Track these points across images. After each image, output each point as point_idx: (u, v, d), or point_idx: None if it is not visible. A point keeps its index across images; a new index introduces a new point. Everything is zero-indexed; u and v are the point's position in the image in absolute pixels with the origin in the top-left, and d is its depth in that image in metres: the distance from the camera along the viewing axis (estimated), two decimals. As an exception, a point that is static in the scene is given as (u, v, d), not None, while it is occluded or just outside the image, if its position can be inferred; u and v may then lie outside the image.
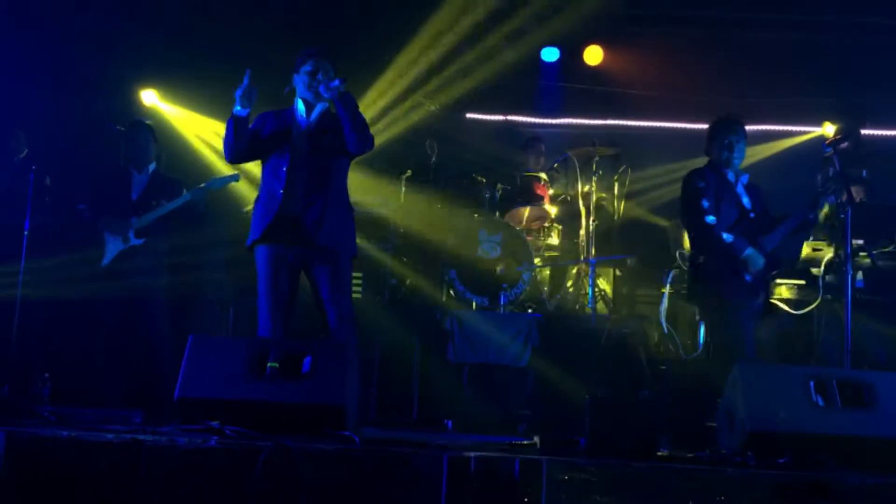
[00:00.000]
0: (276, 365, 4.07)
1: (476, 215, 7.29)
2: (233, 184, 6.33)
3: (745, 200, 5.37)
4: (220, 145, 7.61)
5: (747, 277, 5.19)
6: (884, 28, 7.35)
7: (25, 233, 5.95)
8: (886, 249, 6.00)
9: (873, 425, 3.86)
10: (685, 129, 8.45)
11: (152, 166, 6.29)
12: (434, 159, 7.68)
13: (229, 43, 7.55)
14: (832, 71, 7.86)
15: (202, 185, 6.08)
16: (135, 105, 7.94)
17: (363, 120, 4.77)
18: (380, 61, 7.73)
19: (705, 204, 5.29)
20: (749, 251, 5.25)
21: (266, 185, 4.83)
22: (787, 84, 8.05)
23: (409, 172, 7.53)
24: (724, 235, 5.29)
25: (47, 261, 6.13)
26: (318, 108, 4.87)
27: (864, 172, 5.34)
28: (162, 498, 3.32)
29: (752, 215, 5.34)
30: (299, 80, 4.85)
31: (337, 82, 4.68)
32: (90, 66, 7.43)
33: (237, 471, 3.32)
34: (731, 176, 5.43)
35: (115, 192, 6.21)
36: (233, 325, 6.73)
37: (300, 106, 4.88)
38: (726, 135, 5.43)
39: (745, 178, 5.43)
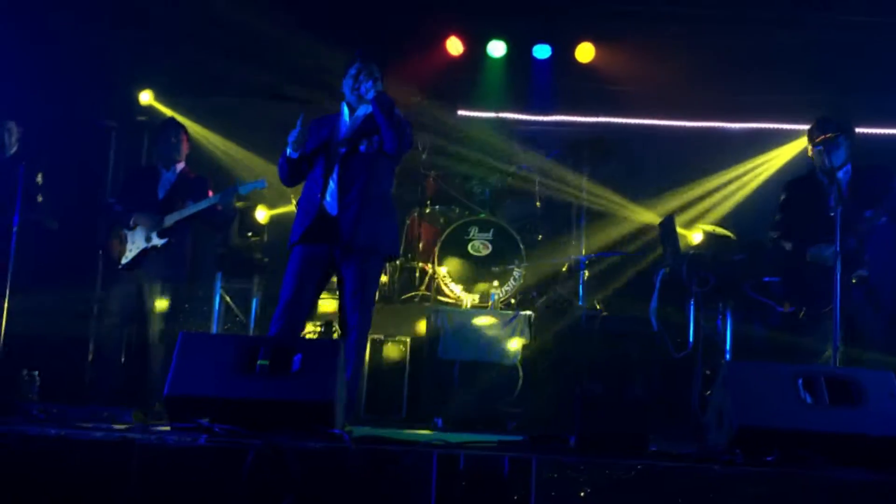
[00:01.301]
0: (267, 362, 4.07)
1: (467, 212, 7.30)
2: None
3: (833, 199, 5.09)
4: (221, 145, 7.69)
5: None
6: (874, 26, 7.36)
7: (14, 229, 5.93)
8: None
9: (861, 423, 3.87)
10: (678, 127, 8.47)
11: (181, 165, 6.30)
12: (425, 156, 7.69)
13: (226, 43, 7.53)
14: (822, 68, 7.87)
15: (229, 188, 6.08)
16: (132, 104, 7.91)
17: (400, 119, 4.82)
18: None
19: (777, 216, 5.60)
20: (811, 252, 5.33)
21: (306, 189, 4.96)
22: (777, 82, 8.06)
23: (400, 167, 7.51)
24: (785, 244, 5.50)
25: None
26: (361, 111, 4.93)
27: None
28: (151, 497, 3.31)
29: (831, 214, 5.08)
30: (345, 85, 4.96)
31: (370, 83, 4.74)
32: (85, 64, 7.41)
33: (227, 469, 3.31)
34: (820, 176, 5.44)
35: (142, 189, 6.22)
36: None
37: (344, 109, 4.99)
38: (811, 135, 5.51)
39: (840, 175, 5.33)
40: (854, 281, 5.16)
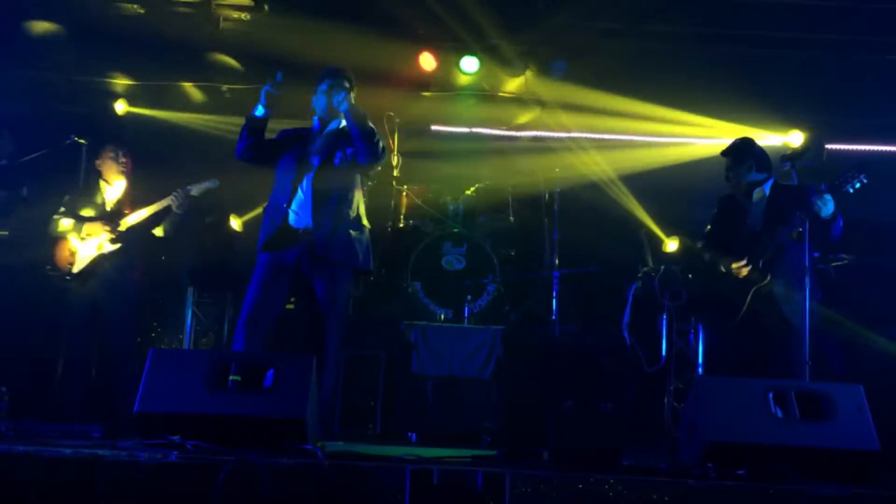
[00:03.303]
0: (239, 378, 4.05)
1: (441, 227, 7.30)
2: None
3: (752, 217, 5.47)
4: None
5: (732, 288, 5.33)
6: (847, 44, 7.47)
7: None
8: (839, 263, 6.14)
9: (831, 437, 3.91)
10: (652, 143, 8.54)
11: (123, 183, 6.24)
12: (398, 170, 7.69)
13: (196, 54, 7.53)
14: (797, 86, 7.97)
15: (180, 189, 6.03)
16: (108, 115, 7.86)
17: (371, 131, 4.83)
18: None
19: (706, 228, 5.69)
20: (728, 260, 5.38)
21: (273, 197, 4.93)
22: (752, 99, 8.15)
23: (372, 182, 7.52)
24: (705, 254, 5.55)
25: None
26: (333, 124, 4.93)
27: (824, 186, 5.42)
28: (121, 514, 3.28)
29: (755, 229, 5.42)
30: (316, 101, 4.97)
31: (342, 95, 4.76)
32: (64, 76, 7.38)
33: (198, 486, 3.28)
34: (739, 197, 5.58)
35: (86, 203, 6.17)
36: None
37: (316, 123, 5.01)
38: (728, 160, 5.65)
39: (755, 193, 5.52)
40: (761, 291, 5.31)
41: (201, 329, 7.23)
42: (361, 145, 4.76)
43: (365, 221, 5.07)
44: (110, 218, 6.05)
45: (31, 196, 6.36)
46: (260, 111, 4.82)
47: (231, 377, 4.03)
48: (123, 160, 6.22)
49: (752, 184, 5.52)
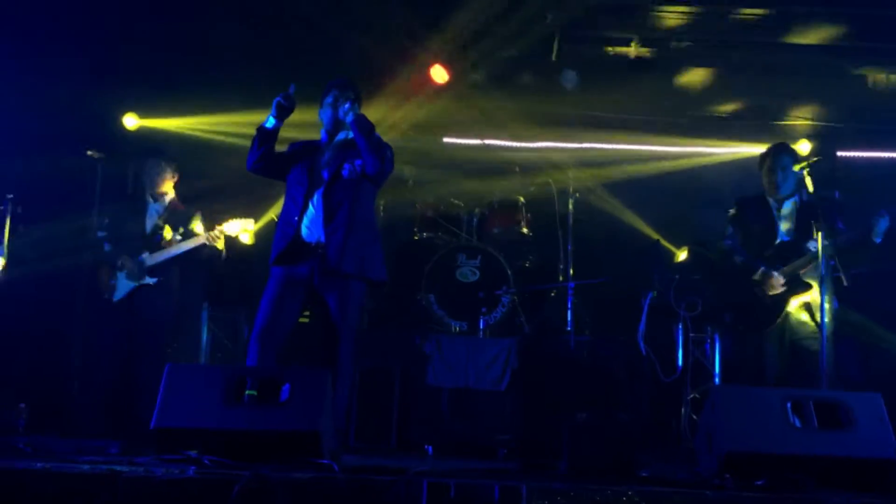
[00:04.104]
0: (255, 393, 4.05)
1: (454, 239, 7.31)
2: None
3: (783, 225, 5.52)
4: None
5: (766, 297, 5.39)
6: (855, 50, 7.44)
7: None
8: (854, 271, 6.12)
9: (850, 446, 3.88)
10: (665, 153, 8.54)
11: (168, 196, 6.33)
12: (411, 183, 7.71)
13: (208, 66, 7.56)
14: (807, 93, 7.95)
15: (216, 228, 6.11)
16: (118, 134, 7.90)
17: (378, 141, 4.84)
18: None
19: (729, 230, 5.70)
20: (763, 270, 5.38)
21: (284, 211, 4.94)
22: (763, 105, 8.14)
23: (386, 196, 7.56)
24: (737, 256, 5.56)
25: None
26: (341, 136, 4.94)
27: (837, 194, 5.42)
28: (139, 530, 3.28)
29: (786, 238, 5.50)
30: (323, 114, 4.98)
31: (347, 105, 4.77)
32: (67, 90, 7.40)
33: (215, 501, 3.29)
34: (772, 202, 5.60)
35: (129, 222, 6.26)
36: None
37: (324, 136, 5.01)
38: (765, 162, 5.68)
39: (787, 205, 5.58)
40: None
41: (217, 344, 7.24)
42: (369, 157, 4.77)
43: (377, 232, 5.07)
44: (150, 249, 6.16)
45: (31, 216, 6.40)
46: (270, 122, 4.84)
47: (247, 392, 4.04)
48: (172, 172, 6.36)
49: (788, 190, 5.56)
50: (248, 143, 4.98)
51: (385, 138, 5.01)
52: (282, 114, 4.82)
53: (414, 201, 7.53)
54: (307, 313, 5.74)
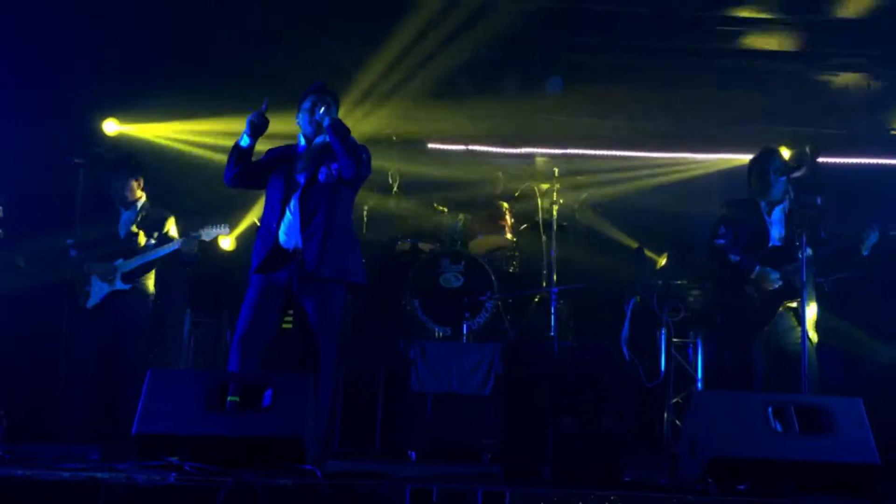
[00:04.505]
0: (237, 399, 4.04)
1: (438, 245, 7.31)
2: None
3: (774, 230, 5.58)
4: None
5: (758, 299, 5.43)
6: (838, 57, 7.50)
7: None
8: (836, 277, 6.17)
9: (831, 451, 3.90)
10: (650, 158, 8.59)
11: (140, 202, 6.29)
12: (396, 189, 7.72)
13: (188, 69, 7.53)
14: (788, 99, 8.00)
15: (191, 234, 6.09)
16: (97, 135, 7.85)
17: (354, 145, 4.83)
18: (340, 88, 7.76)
19: (721, 230, 5.69)
20: (759, 269, 5.43)
21: (264, 218, 4.94)
22: (743, 113, 8.18)
23: (371, 202, 7.55)
24: (731, 256, 5.57)
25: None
26: (318, 140, 4.94)
27: (819, 199, 5.45)
28: (120, 537, 3.26)
29: (777, 244, 5.56)
30: (300, 118, 4.97)
31: (324, 109, 4.76)
32: (46, 94, 7.35)
33: (197, 508, 3.27)
34: (762, 206, 5.62)
35: (102, 229, 6.22)
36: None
37: (301, 141, 5.00)
38: (756, 167, 5.71)
39: (777, 211, 5.62)
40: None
41: (199, 349, 7.21)
42: (345, 160, 4.76)
43: (355, 236, 5.06)
44: (124, 255, 6.12)
45: (13, 219, 6.35)
46: (245, 141, 4.85)
47: (229, 398, 4.02)
48: (137, 180, 6.33)
49: (779, 193, 5.62)
50: (228, 146, 4.98)
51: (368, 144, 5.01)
52: (255, 132, 4.83)
53: (398, 207, 7.52)
54: (289, 319, 5.72)
